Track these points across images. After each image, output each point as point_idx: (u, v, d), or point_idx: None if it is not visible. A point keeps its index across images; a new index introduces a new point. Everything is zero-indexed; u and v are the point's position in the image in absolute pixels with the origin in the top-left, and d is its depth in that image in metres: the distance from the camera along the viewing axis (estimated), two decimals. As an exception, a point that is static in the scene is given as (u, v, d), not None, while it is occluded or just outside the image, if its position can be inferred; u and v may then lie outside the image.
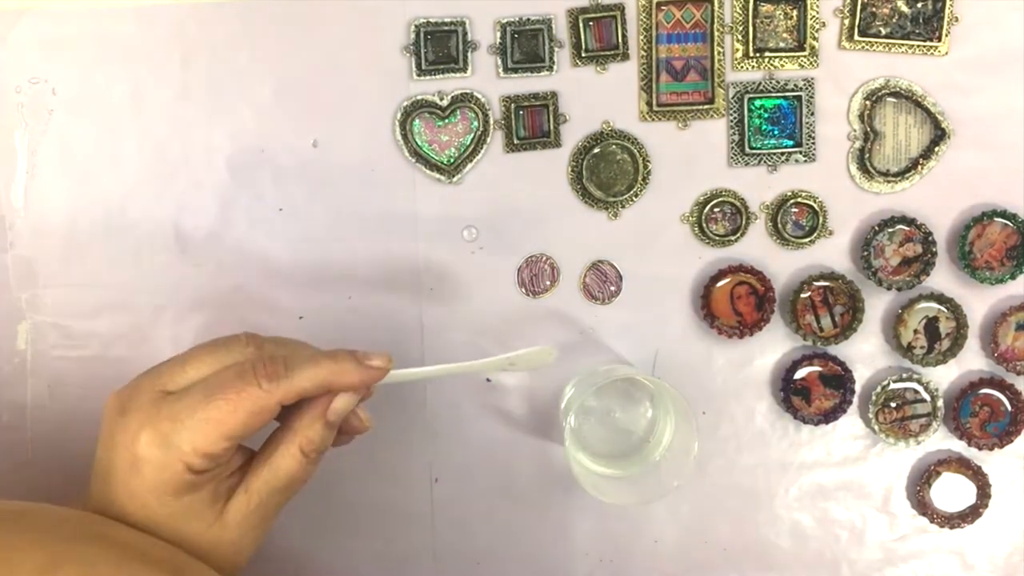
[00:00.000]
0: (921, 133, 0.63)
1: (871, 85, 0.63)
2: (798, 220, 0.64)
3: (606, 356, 0.64)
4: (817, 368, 0.64)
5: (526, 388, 0.64)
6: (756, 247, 0.64)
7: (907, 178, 0.63)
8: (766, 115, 0.64)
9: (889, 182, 0.63)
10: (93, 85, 0.62)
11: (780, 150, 0.64)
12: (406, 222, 0.64)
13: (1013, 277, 0.63)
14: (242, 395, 0.46)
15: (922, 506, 0.65)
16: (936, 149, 0.63)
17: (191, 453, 0.46)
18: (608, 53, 0.63)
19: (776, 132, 0.64)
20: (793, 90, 0.63)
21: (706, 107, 0.64)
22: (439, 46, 0.63)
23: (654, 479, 0.60)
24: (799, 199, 0.64)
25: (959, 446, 0.65)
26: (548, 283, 0.64)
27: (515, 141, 0.63)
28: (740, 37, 0.63)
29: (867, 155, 0.63)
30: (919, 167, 0.63)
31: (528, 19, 0.63)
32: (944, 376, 0.65)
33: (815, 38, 0.63)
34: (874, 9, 0.63)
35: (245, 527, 0.49)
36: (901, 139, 0.63)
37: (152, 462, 0.46)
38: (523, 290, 0.64)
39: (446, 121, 0.63)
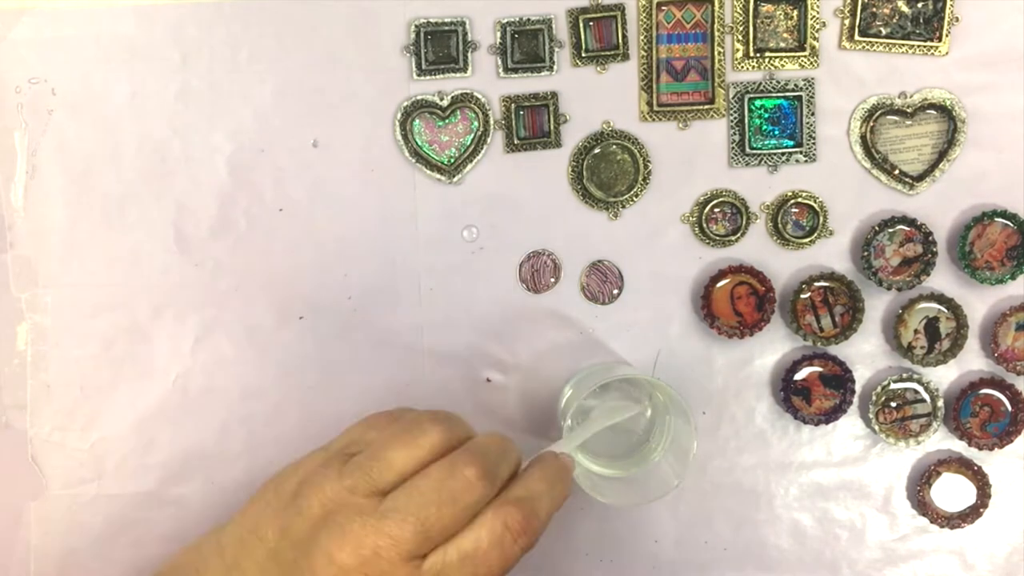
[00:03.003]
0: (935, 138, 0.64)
1: (865, 106, 0.63)
2: (798, 220, 0.64)
3: (606, 356, 0.64)
4: (817, 368, 0.64)
5: (526, 388, 0.64)
6: (756, 247, 0.64)
7: (923, 181, 0.64)
8: (766, 115, 0.64)
9: (906, 184, 0.63)
10: (93, 85, 0.62)
11: (780, 150, 0.64)
12: (406, 222, 0.64)
13: (1013, 277, 0.63)
14: (506, 561, 0.46)
15: (922, 506, 0.65)
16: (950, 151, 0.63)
17: None
18: (608, 53, 0.63)
19: (776, 132, 0.64)
20: (794, 90, 0.63)
21: (706, 107, 0.64)
22: (439, 46, 0.63)
23: (653, 479, 0.60)
24: (799, 199, 0.64)
25: (959, 446, 0.65)
26: (552, 280, 0.64)
27: (515, 141, 0.63)
28: (740, 37, 0.63)
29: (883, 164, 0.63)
30: (935, 171, 0.63)
31: (528, 19, 0.63)
32: (944, 376, 0.65)
33: (815, 38, 0.63)
34: (874, 9, 0.63)
35: None
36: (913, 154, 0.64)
37: None
38: (524, 286, 0.64)
39: (446, 121, 0.63)
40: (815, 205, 0.64)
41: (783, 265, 0.64)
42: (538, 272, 0.64)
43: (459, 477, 0.46)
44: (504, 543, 0.46)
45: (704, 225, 0.64)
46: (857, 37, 0.63)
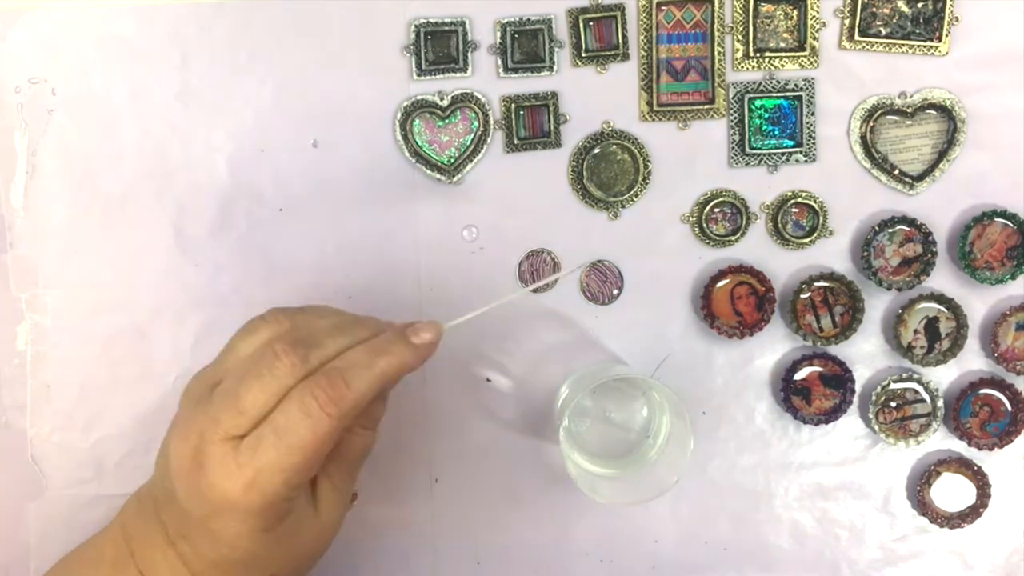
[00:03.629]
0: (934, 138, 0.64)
1: (865, 105, 0.63)
2: (798, 220, 0.64)
3: (606, 356, 0.64)
4: (817, 368, 0.64)
5: (526, 388, 0.64)
6: (756, 247, 0.64)
7: (923, 181, 0.64)
8: (766, 115, 0.64)
9: (906, 184, 0.63)
10: (93, 85, 0.62)
11: (780, 150, 0.64)
12: (406, 222, 0.64)
13: (1013, 277, 0.63)
14: (315, 431, 0.45)
15: (922, 506, 0.65)
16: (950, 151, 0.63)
17: (286, 491, 0.46)
18: (608, 53, 0.63)
19: (776, 132, 0.64)
20: (793, 90, 0.63)
21: (706, 107, 0.64)
22: (439, 46, 0.63)
23: (650, 478, 0.60)
24: (799, 199, 0.64)
25: (959, 446, 0.65)
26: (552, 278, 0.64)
27: (515, 141, 0.63)
28: (740, 37, 0.63)
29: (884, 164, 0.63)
30: (935, 171, 0.63)
31: (528, 19, 0.63)
32: (944, 376, 0.65)
33: (815, 38, 0.63)
34: (874, 9, 0.63)
35: (335, 505, 0.51)
36: (913, 154, 0.63)
37: (250, 508, 0.46)
38: (524, 285, 0.64)
39: (446, 121, 0.63)
40: (815, 205, 0.64)
41: (783, 265, 0.64)
42: (537, 271, 0.64)
43: (267, 353, 0.47)
44: (311, 412, 0.45)
45: (704, 225, 0.64)
46: (857, 37, 0.63)
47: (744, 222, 0.64)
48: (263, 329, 0.49)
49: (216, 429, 0.46)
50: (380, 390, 0.48)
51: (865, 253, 0.63)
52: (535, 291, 0.58)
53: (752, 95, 0.63)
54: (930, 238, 0.63)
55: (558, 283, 0.64)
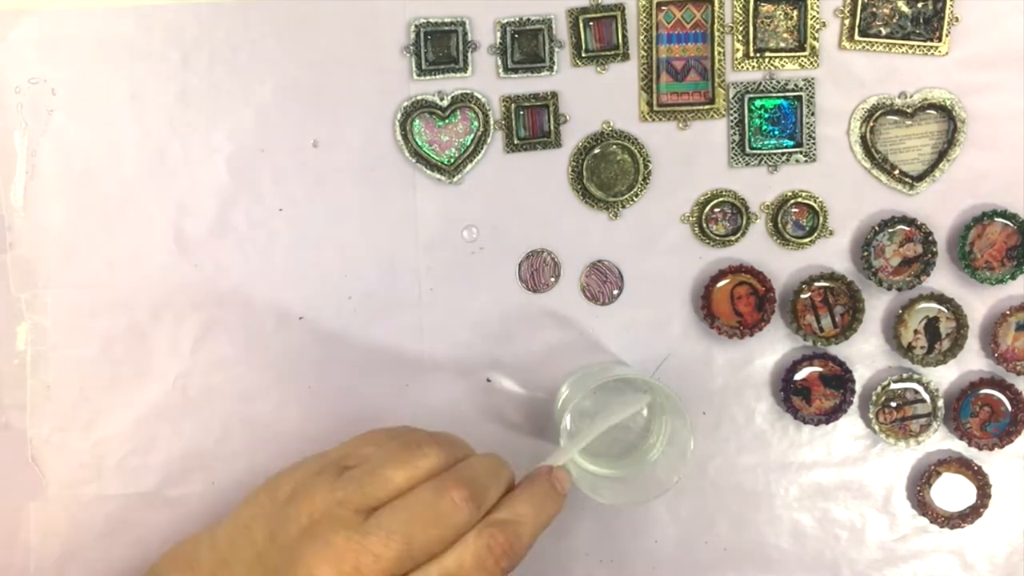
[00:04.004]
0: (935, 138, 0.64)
1: (865, 106, 0.63)
2: (798, 220, 0.64)
3: (606, 356, 0.64)
4: (817, 368, 0.64)
5: (526, 388, 0.64)
6: (756, 247, 0.64)
7: (924, 181, 0.64)
8: (766, 115, 0.64)
9: (907, 184, 0.63)
10: (93, 85, 0.62)
11: (780, 150, 0.64)
12: (406, 222, 0.64)
13: (1013, 277, 0.63)
14: None
15: (922, 506, 0.65)
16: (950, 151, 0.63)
17: None
18: (608, 53, 0.63)
19: (776, 132, 0.64)
20: (794, 90, 0.63)
21: (706, 107, 0.64)
22: (439, 46, 0.63)
23: (651, 479, 0.60)
24: (799, 199, 0.64)
25: (959, 446, 0.65)
26: (552, 279, 0.64)
27: (515, 141, 0.63)
28: (740, 37, 0.63)
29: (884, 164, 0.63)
30: (935, 171, 0.63)
31: (528, 19, 0.63)
32: (944, 376, 0.65)
33: (815, 38, 0.63)
34: (874, 9, 0.63)
35: None
36: (913, 154, 0.63)
37: None
38: (524, 285, 0.64)
39: (446, 121, 0.63)
40: (815, 205, 0.64)
41: (783, 265, 0.64)
42: (537, 271, 0.64)
43: (446, 499, 0.47)
44: (486, 565, 0.46)
45: (704, 225, 0.64)
46: (857, 37, 0.63)
47: (744, 222, 0.64)
48: (422, 461, 0.48)
49: (376, 565, 0.45)
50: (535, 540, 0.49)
51: (865, 253, 0.63)
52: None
53: (752, 95, 0.63)
54: (930, 238, 0.63)
55: (558, 283, 0.64)
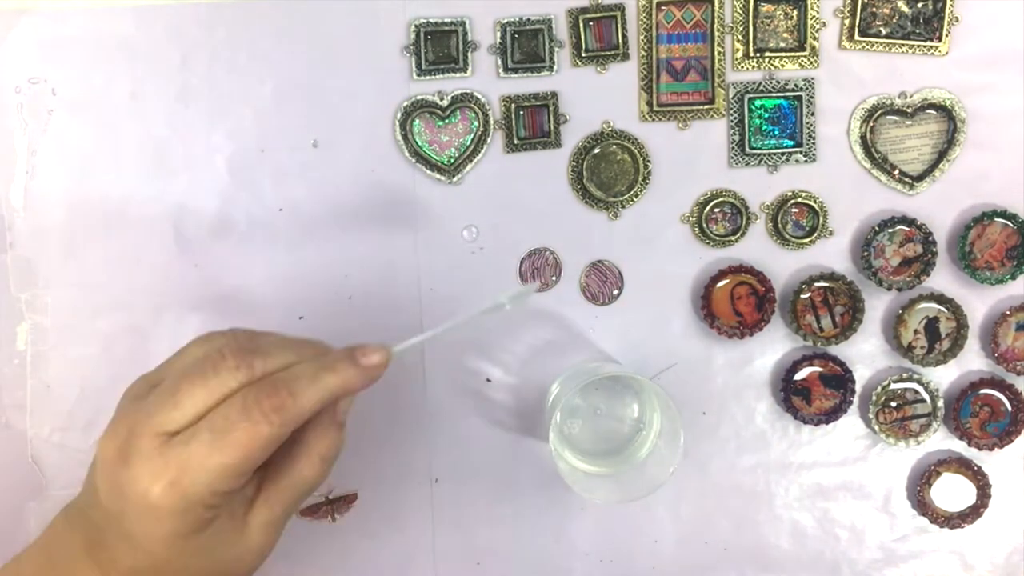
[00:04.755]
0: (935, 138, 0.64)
1: (865, 105, 0.63)
2: (798, 220, 0.64)
3: (606, 356, 0.64)
4: (817, 368, 0.64)
5: (527, 389, 0.64)
6: (756, 247, 0.64)
7: (924, 181, 0.64)
8: (766, 115, 0.64)
9: (906, 183, 0.63)
10: (93, 85, 0.62)
11: (780, 150, 0.64)
12: (406, 222, 0.64)
13: (1013, 277, 0.63)
14: (252, 435, 0.45)
15: (922, 506, 0.65)
16: (950, 151, 0.63)
17: (209, 496, 0.45)
18: (608, 53, 0.63)
19: (776, 132, 0.64)
20: (793, 90, 0.63)
21: (706, 107, 0.64)
22: (439, 46, 0.63)
23: (642, 476, 0.60)
24: (799, 199, 0.64)
25: (959, 446, 0.65)
26: (552, 278, 0.64)
27: (515, 141, 0.63)
28: (740, 37, 0.63)
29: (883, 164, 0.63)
30: (935, 171, 0.63)
31: (528, 19, 0.63)
32: (944, 376, 0.65)
33: (815, 38, 0.63)
34: (874, 9, 0.63)
35: (268, 532, 0.49)
36: (913, 154, 0.63)
37: (169, 509, 0.45)
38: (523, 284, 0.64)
39: (446, 121, 0.63)
40: (815, 205, 0.64)
41: (783, 265, 0.64)
42: (539, 269, 0.64)
43: (214, 355, 0.46)
44: (251, 416, 0.45)
45: (704, 225, 0.64)
46: (857, 37, 0.63)
47: (744, 222, 0.64)
48: (217, 338, 0.48)
49: (148, 423, 0.45)
50: (322, 405, 0.47)
51: (865, 253, 0.63)
52: (484, 314, 0.56)
53: (752, 95, 0.63)
54: (930, 238, 0.63)
55: (558, 283, 0.64)
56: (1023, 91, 0.63)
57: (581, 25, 0.63)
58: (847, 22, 0.63)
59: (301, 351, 0.48)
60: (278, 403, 0.45)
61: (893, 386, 0.64)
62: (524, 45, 0.63)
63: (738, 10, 0.63)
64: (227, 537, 0.48)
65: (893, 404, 0.64)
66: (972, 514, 0.65)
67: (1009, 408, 0.64)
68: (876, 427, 0.64)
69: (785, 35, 0.63)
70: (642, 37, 0.63)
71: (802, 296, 0.64)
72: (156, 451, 0.45)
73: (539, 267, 0.64)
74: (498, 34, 0.63)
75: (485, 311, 0.53)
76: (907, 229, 0.63)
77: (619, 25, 0.63)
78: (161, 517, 0.45)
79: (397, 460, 0.64)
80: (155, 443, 0.45)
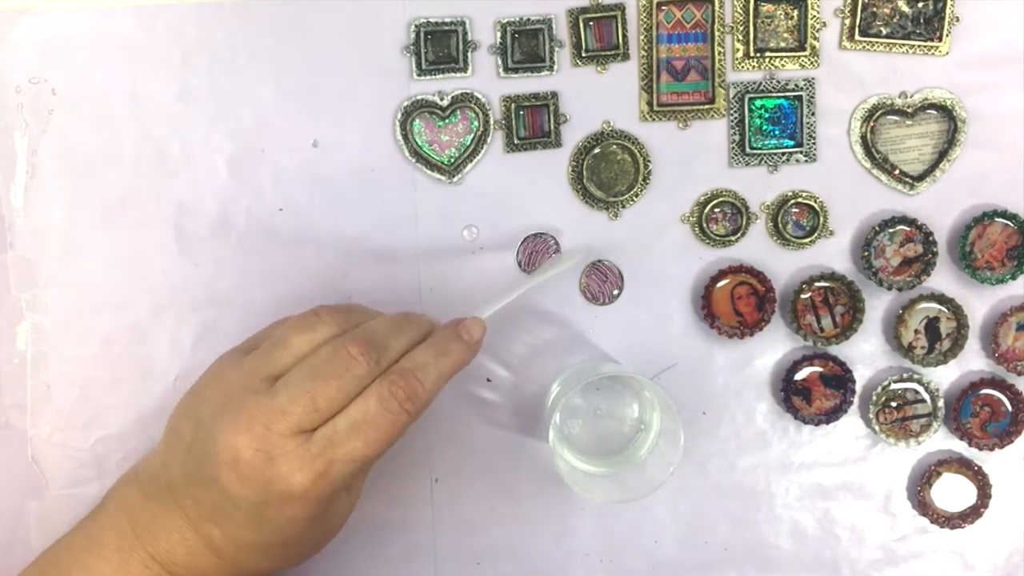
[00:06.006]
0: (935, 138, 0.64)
1: (865, 105, 0.63)
2: (799, 220, 0.64)
3: (605, 356, 0.64)
4: (817, 368, 0.64)
5: (527, 388, 0.64)
6: (756, 247, 0.64)
7: (924, 181, 0.64)
8: (767, 115, 0.64)
9: (907, 183, 0.63)
10: (93, 85, 0.62)
11: (781, 150, 0.64)
12: (406, 222, 0.64)
13: (1014, 277, 0.63)
14: (393, 425, 0.49)
15: (922, 506, 0.65)
16: (950, 151, 0.63)
17: (350, 480, 0.51)
18: (608, 53, 0.63)
19: (777, 132, 0.64)
20: (794, 90, 0.63)
21: (706, 107, 0.64)
22: (439, 46, 0.63)
23: (642, 476, 0.60)
24: (800, 199, 0.64)
25: (960, 446, 0.65)
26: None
27: (515, 141, 0.63)
28: (741, 37, 0.63)
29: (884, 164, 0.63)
30: (935, 171, 0.63)
31: (528, 19, 0.63)
32: (944, 376, 0.65)
33: (816, 38, 0.63)
34: (875, 9, 0.63)
35: (359, 489, 0.55)
36: (913, 154, 0.63)
37: (316, 498, 0.49)
38: (528, 272, 0.64)
39: (446, 121, 0.63)
40: (815, 205, 0.64)
41: (783, 265, 0.64)
42: (536, 254, 0.64)
43: (342, 353, 0.50)
44: (390, 408, 0.49)
45: (704, 225, 0.64)
46: (857, 37, 0.63)
47: (744, 222, 0.64)
48: (320, 327, 0.52)
49: (284, 422, 0.48)
50: (443, 386, 0.52)
51: (865, 253, 0.63)
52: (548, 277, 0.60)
53: (752, 95, 0.63)
54: (930, 238, 0.63)
55: (558, 282, 0.64)
56: (1023, 91, 0.63)
57: (581, 25, 0.63)
58: (847, 22, 0.63)
59: (409, 332, 0.53)
60: (411, 392, 0.50)
61: (893, 386, 0.64)
62: (524, 45, 0.63)
63: (738, 10, 0.63)
64: (341, 505, 0.53)
65: (893, 404, 0.64)
66: (972, 514, 0.65)
67: (1009, 408, 0.64)
68: (876, 427, 0.64)
69: (785, 35, 0.63)
70: (642, 37, 0.63)
71: (802, 296, 0.64)
72: (302, 448, 0.48)
73: (540, 252, 0.64)
74: (498, 34, 0.63)
75: (563, 269, 0.60)
76: (907, 229, 0.63)
77: (619, 25, 0.63)
78: (306, 505, 0.49)
79: (397, 460, 0.64)
80: (298, 441, 0.48)
